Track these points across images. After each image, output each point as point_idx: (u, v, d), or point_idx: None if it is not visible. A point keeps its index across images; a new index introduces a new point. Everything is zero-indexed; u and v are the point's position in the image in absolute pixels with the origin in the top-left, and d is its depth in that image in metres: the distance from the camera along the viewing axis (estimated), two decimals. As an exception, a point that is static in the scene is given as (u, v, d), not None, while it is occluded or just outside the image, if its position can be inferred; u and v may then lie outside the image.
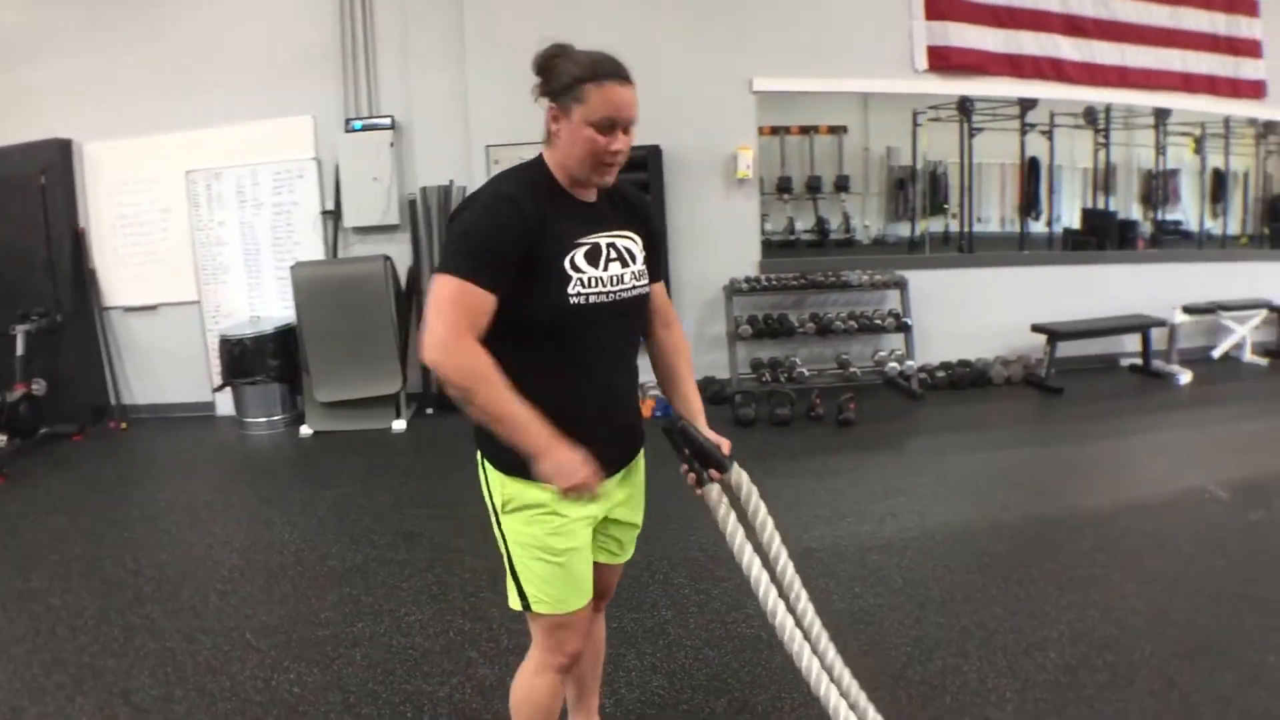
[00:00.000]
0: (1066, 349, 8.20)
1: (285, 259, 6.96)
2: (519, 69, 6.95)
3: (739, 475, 2.26)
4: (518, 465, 2.01)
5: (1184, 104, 9.02)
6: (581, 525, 2.18)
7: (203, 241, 7.04)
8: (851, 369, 7.66)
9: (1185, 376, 8.16)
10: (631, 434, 2.30)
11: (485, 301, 1.93)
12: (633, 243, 2.20)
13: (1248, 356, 9.04)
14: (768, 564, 2.22)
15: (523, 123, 6.84)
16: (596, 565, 2.30)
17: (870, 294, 8.05)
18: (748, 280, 7.59)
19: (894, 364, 7.67)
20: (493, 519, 2.19)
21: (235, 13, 6.93)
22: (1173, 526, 4.78)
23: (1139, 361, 8.62)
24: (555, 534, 2.12)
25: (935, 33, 7.96)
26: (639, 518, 2.43)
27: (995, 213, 12.13)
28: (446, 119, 7.03)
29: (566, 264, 2.04)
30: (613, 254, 2.13)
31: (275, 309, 7.05)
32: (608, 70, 2.03)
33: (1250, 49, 9.11)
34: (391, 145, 6.89)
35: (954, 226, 10.14)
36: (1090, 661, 3.41)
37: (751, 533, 2.24)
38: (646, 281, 2.24)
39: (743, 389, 7.16)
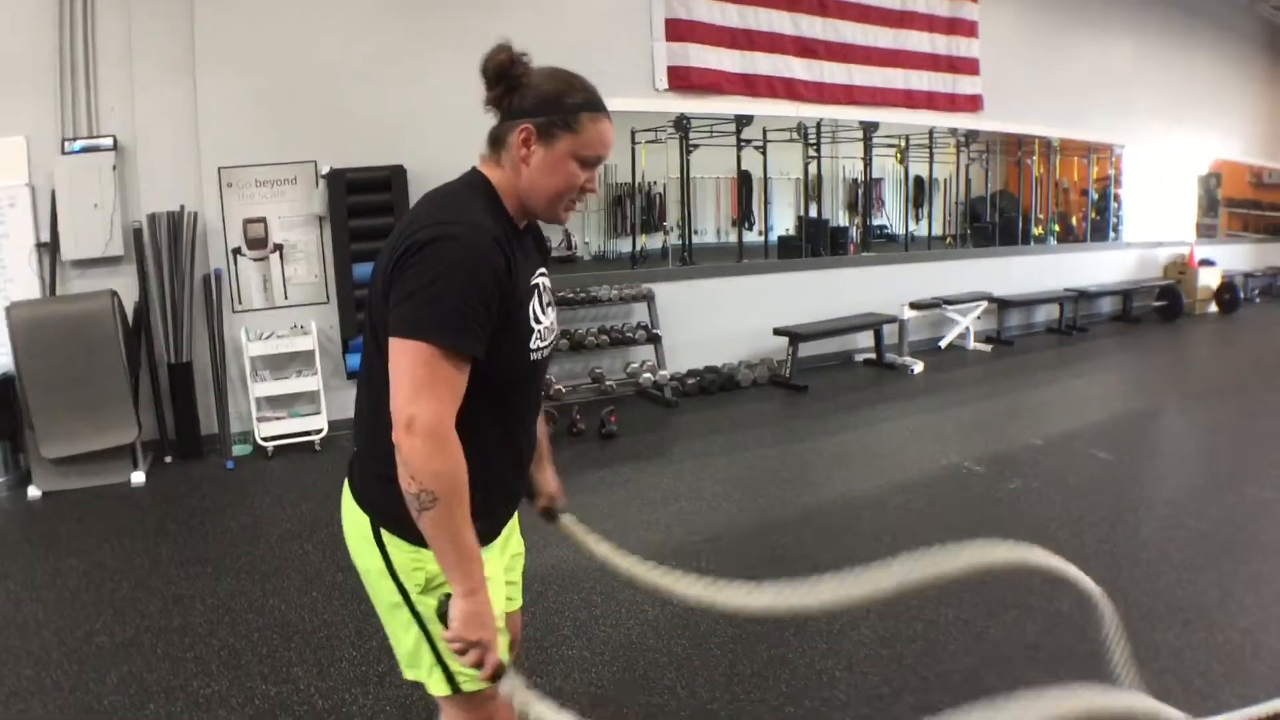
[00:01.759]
0: (805, 349, 8.69)
1: (-4, 299, 6.19)
2: (255, 86, 6.61)
3: (567, 523, 2.30)
4: None
5: (906, 119, 9.86)
6: (501, 583, 1.96)
7: (-100, 282, 6.13)
8: (607, 382, 7.74)
9: (918, 366, 8.85)
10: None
11: (466, 377, 1.66)
12: (549, 279, 1.97)
13: (972, 344, 9.91)
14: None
15: (259, 143, 6.62)
16: None
17: (618, 307, 8.15)
18: (498, 300, 7.47)
19: (647, 374, 7.83)
20: (398, 600, 1.82)
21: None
22: (941, 501, 5.21)
23: (873, 356, 9.26)
24: None
25: (676, 54, 8.27)
26: (521, 543, 2.22)
27: (711, 224, 12.64)
28: (175, 139, 6.51)
29: (530, 314, 1.81)
30: (547, 296, 1.91)
31: (-13, 356, 6.26)
32: (603, 103, 1.85)
33: (969, 67, 10.14)
34: (114, 168, 6.27)
35: (673, 240, 10.45)
36: (903, 632, 3.61)
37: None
38: None
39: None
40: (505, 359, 1.73)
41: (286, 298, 6.90)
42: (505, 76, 1.82)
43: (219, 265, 6.70)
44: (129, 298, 6.43)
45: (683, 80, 8.30)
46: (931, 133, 10.49)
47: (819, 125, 9.79)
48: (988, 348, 10.00)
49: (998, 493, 5.30)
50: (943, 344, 9.88)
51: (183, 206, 6.48)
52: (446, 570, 1.68)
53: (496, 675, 1.70)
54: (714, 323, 8.72)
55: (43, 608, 4.20)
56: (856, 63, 9.29)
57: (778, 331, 8.63)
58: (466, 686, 1.85)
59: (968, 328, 9.94)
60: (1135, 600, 3.81)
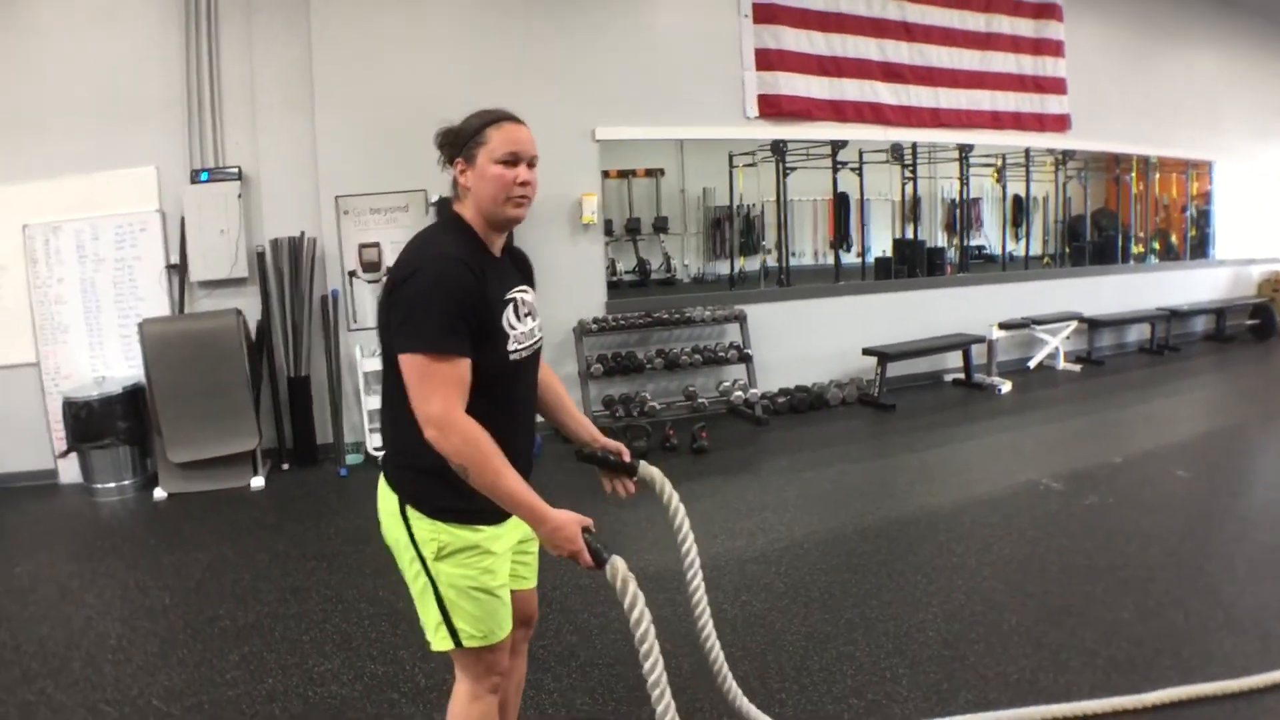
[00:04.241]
0: (895, 369, 8.79)
1: (129, 316, 6.72)
2: (368, 120, 7.04)
3: (648, 470, 2.56)
4: (453, 510, 2.16)
5: (993, 140, 9.85)
6: (507, 559, 2.32)
7: (41, 300, 6.68)
8: (699, 400, 7.97)
9: (1006, 386, 8.89)
10: (531, 463, 2.40)
11: (464, 369, 2.05)
12: (531, 296, 2.34)
13: (1061, 364, 9.89)
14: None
15: (372, 173, 7.01)
16: (514, 594, 2.41)
17: (712, 328, 8.40)
18: (596, 321, 7.81)
19: (738, 393, 8.02)
20: (418, 567, 2.22)
21: (73, 59, 6.63)
22: (1016, 516, 5.32)
23: (961, 376, 9.31)
24: (488, 572, 2.23)
25: (765, 82, 8.48)
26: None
27: (809, 246, 12.78)
28: (295, 170, 6.98)
29: (504, 321, 2.18)
30: (524, 308, 2.27)
31: (119, 368, 6.78)
32: (502, 114, 2.22)
33: (1055, 86, 10.12)
34: (239, 196, 6.77)
35: (770, 262, 10.58)
36: (966, 635, 3.80)
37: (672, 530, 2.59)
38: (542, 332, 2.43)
39: (597, 425, 7.28)
40: (488, 359, 2.12)
41: (398, 317, 7.27)
42: (446, 141, 2.25)
43: (335, 286, 7.15)
44: (252, 316, 6.92)
45: (773, 108, 8.50)
46: (1028, 152, 10.49)
47: (914, 147, 9.86)
48: (1077, 368, 9.96)
49: (1072, 508, 5.41)
50: (1031, 364, 9.87)
51: (302, 232, 6.98)
52: (516, 514, 2.10)
53: (600, 564, 2.09)
54: (805, 343, 8.89)
55: (169, 595, 4.61)
56: (943, 86, 9.39)
57: (867, 351, 8.78)
58: (467, 643, 2.26)
59: (1057, 348, 9.92)
60: (1194, 610, 3.93)
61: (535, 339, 2.32)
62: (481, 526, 2.20)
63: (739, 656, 3.64)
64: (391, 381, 2.16)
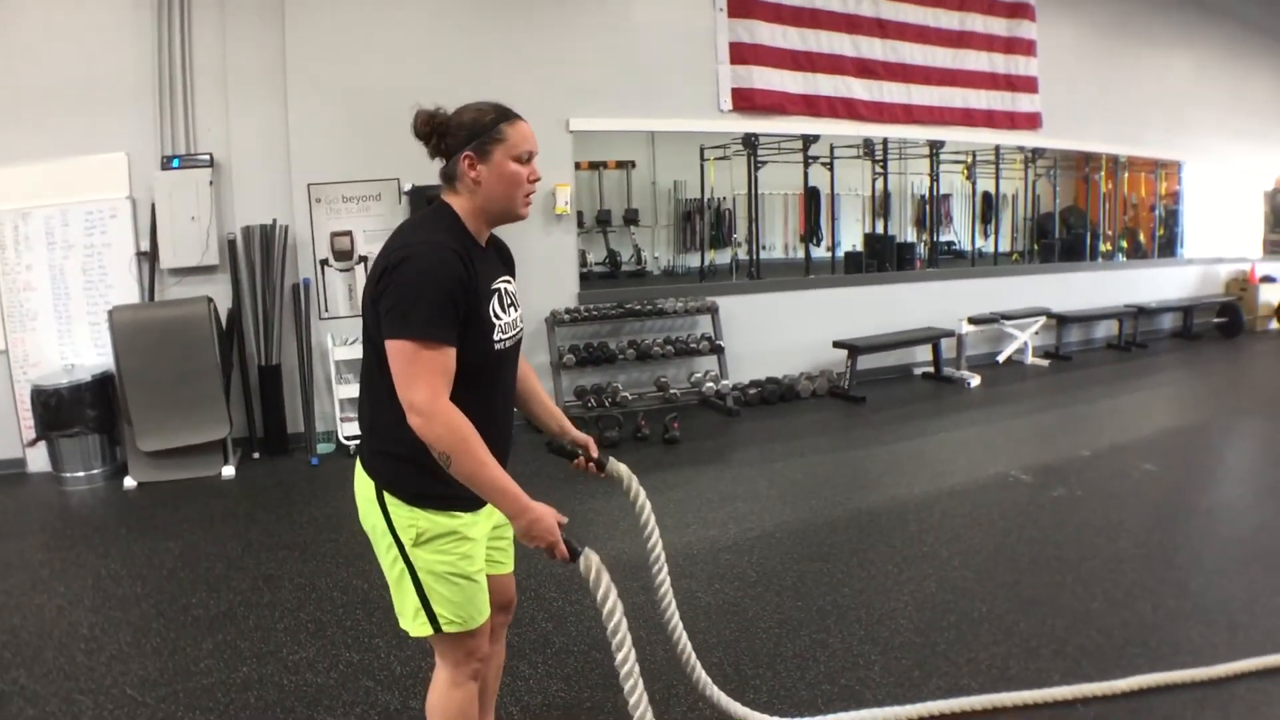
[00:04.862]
0: (865, 362, 8.87)
1: (98, 303, 6.65)
2: (342, 108, 7.01)
3: (616, 467, 2.61)
4: (431, 497, 2.16)
5: (965, 137, 9.95)
6: (483, 545, 2.33)
7: (9, 287, 6.60)
8: (671, 391, 8.02)
9: (975, 380, 8.99)
10: (508, 452, 2.40)
11: (450, 358, 2.05)
12: (513, 286, 2.36)
13: (1030, 359, 10.00)
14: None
15: (345, 162, 7.00)
16: (492, 579, 2.42)
17: (683, 319, 8.43)
18: (569, 311, 7.82)
19: (710, 384, 8.08)
20: (395, 553, 2.22)
21: (41, 43, 6.53)
22: (985, 507, 5.40)
23: (931, 369, 9.41)
24: (466, 558, 2.23)
25: (739, 76, 8.53)
26: None
27: (779, 240, 12.82)
28: (268, 157, 6.93)
29: (489, 312, 2.18)
30: (507, 299, 2.28)
31: (89, 356, 6.72)
32: (510, 110, 2.22)
33: (1027, 85, 10.24)
34: (211, 183, 6.70)
35: (741, 256, 10.62)
36: (937, 623, 3.85)
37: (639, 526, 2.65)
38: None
39: (570, 415, 7.29)
40: (473, 348, 2.12)
41: (369, 306, 7.26)
42: (434, 129, 2.21)
43: (307, 275, 7.12)
44: (223, 304, 6.86)
45: (746, 101, 8.55)
46: (998, 149, 10.60)
47: (885, 142, 9.93)
48: (1045, 363, 10.09)
49: (1041, 500, 5.49)
50: (1000, 358, 10.00)
51: (274, 220, 6.93)
52: (495, 506, 2.12)
53: (574, 557, 2.13)
54: (776, 335, 8.95)
55: (141, 584, 4.58)
56: (916, 82, 9.48)
57: (837, 344, 8.83)
58: (447, 628, 2.25)
59: (1026, 343, 10.05)
60: (1162, 600, 4.00)
61: (518, 329, 2.34)
62: (459, 513, 2.21)
63: (713, 644, 3.68)
64: (372, 366, 2.17)
